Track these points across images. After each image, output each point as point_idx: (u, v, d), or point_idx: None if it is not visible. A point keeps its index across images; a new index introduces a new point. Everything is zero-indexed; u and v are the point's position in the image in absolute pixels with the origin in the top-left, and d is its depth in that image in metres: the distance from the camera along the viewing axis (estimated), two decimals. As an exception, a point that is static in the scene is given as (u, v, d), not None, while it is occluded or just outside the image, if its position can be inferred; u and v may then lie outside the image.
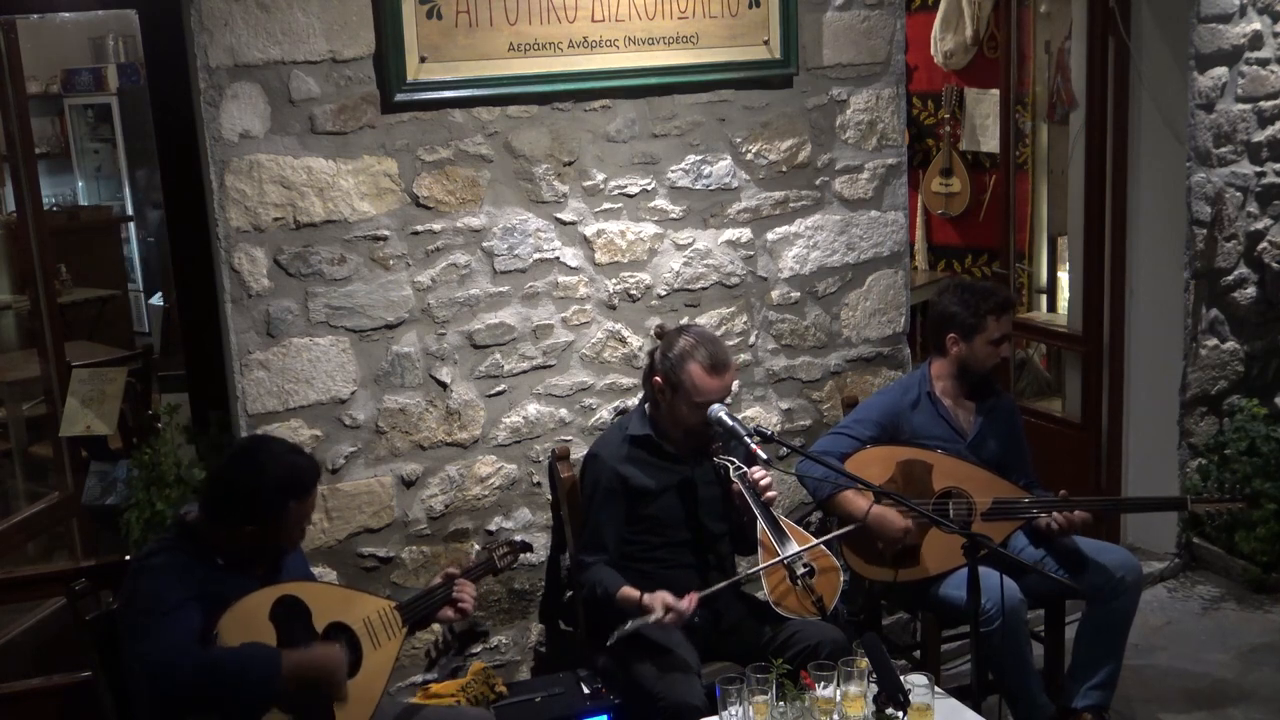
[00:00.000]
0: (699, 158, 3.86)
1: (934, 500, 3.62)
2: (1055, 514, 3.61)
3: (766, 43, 3.85)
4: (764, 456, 3.34)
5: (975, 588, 2.94)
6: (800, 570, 3.29)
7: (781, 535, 3.33)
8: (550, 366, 3.76)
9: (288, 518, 2.78)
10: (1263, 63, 4.83)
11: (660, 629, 3.24)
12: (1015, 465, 3.80)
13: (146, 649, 2.59)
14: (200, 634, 2.62)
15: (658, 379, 3.42)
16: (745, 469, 3.38)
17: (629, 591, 3.29)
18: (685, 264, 3.89)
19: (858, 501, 3.56)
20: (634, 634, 3.20)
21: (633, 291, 3.83)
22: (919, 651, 3.90)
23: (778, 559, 3.29)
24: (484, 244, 3.62)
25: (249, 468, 2.79)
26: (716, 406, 3.34)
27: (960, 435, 3.75)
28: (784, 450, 3.85)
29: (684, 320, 3.86)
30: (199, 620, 2.64)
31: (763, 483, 3.36)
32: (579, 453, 3.75)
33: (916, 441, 3.71)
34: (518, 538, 3.65)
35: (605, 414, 3.85)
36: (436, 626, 3.66)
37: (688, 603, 3.20)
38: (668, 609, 3.18)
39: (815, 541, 3.39)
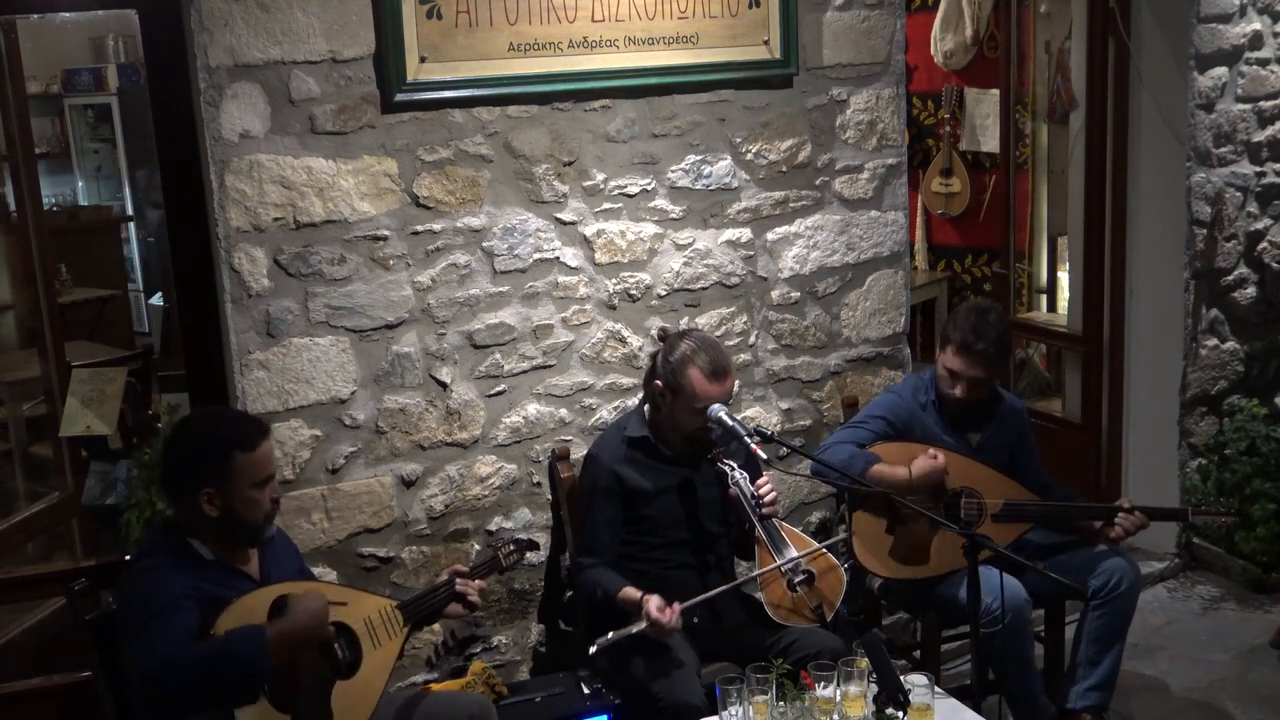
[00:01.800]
0: (699, 158, 3.86)
1: (945, 500, 3.62)
2: (1121, 523, 3.62)
3: (766, 43, 3.85)
4: (764, 457, 3.34)
5: (975, 588, 2.93)
6: (798, 578, 3.29)
7: (779, 543, 3.32)
8: (550, 366, 3.76)
9: (238, 474, 2.73)
10: (1263, 63, 4.83)
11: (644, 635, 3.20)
12: (1025, 467, 3.79)
13: (141, 652, 2.58)
14: (196, 634, 2.61)
15: (658, 383, 3.42)
16: (747, 476, 3.38)
17: (629, 592, 3.28)
18: (685, 264, 3.90)
19: (894, 472, 3.53)
20: (630, 637, 3.18)
21: (633, 291, 3.83)
22: (919, 651, 3.90)
23: (776, 564, 3.28)
24: (484, 244, 3.62)
25: (192, 429, 2.83)
26: (716, 406, 3.34)
27: (966, 442, 3.75)
28: (784, 450, 3.84)
29: (684, 320, 3.87)
30: (193, 620, 2.62)
31: (766, 498, 3.35)
32: (579, 453, 3.75)
33: (925, 443, 3.70)
34: (523, 536, 3.65)
35: (605, 414, 3.85)
36: (438, 628, 3.67)
37: (669, 616, 3.17)
38: (651, 621, 3.15)
39: (818, 545, 3.39)
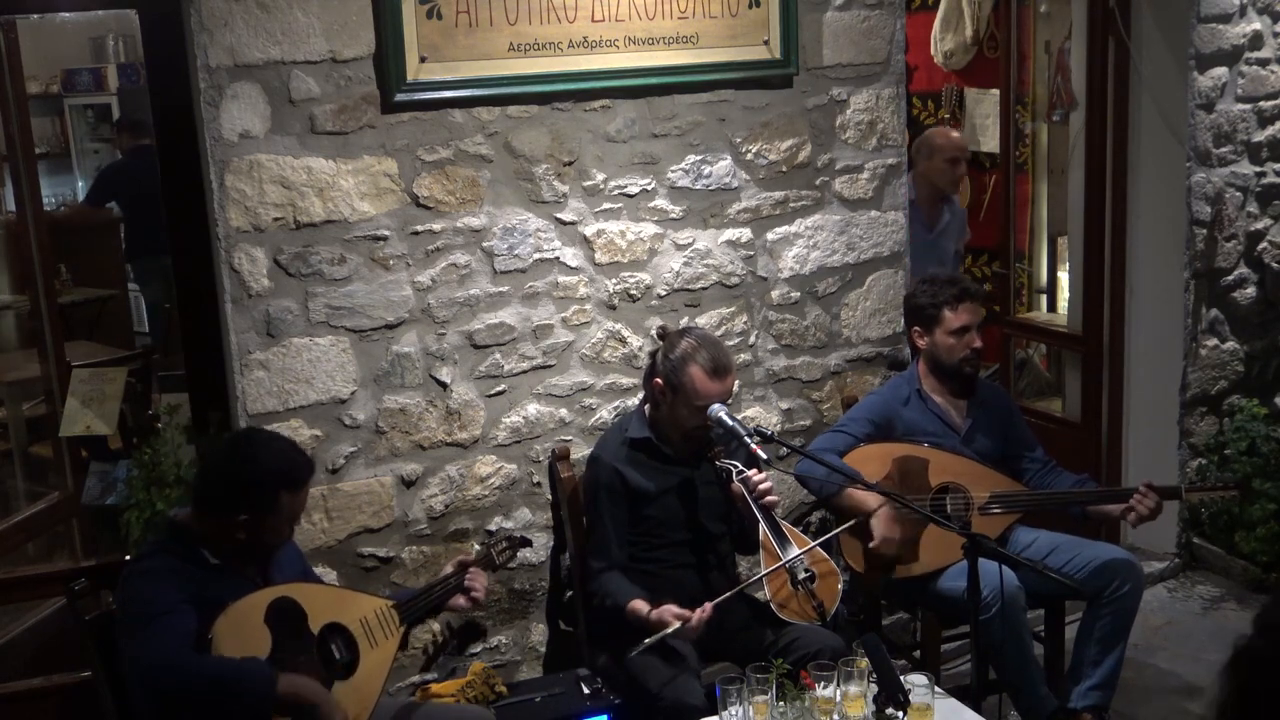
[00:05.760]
0: (699, 158, 3.86)
1: (931, 496, 3.62)
2: (1138, 506, 3.61)
3: (766, 43, 3.85)
4: (764, 456, 3.34)
5: (975, 588, 2.93)
6: (801, 575, 3.29)
7: (783, 539, 3.32)
8: (550, 366, 3.76)
9: (279, 510, 2.76)
10: (1263, 63, 4.83)
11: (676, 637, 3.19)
12: (1021, 452, 3.81)
13: (139, 653, 2.58)
14: (195, 637, 2.61)
15: (658, 381, 3.41)
16: (746, 473, 3.38)
17: (637, 605, 3.26)
18: (685, 264, 3.90)
19: (866, 498, 3.55)
20: (634, 633, 3.18)
21: (633, 291, 3.83)
22: (919, 651, 3.90)
23: (782, 563, 3.28)
24: (484, 244, 3.62)
25: (243, 457, 2.79)
26: (717, 406, 3.34)
27: (953, 430, 3.76)
28: (784, 450, 3.85)
29: (684, 320, 3.87)
30: (193, 623, 2.63)
31: (762, 488, 3.35)
32: (579, 453, 3.75)
33: (910, 438, 3.72)
34: (516, 533, 3.66)
35: (605, 414, 3.85)
36: (437, 626, 3.67)
37: (698, 616, 3.15)
38: (683, 620, 3.14)
39: (814, 543, 3.39)
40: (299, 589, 2.83)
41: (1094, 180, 4.91)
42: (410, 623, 3.05)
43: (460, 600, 3.11)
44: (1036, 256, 6.23)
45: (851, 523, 3.53)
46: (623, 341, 3.85)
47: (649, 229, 3.83)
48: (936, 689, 2.85)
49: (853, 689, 2.75)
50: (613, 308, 3.82)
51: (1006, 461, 3.79)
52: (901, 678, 2.74)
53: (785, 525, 3.39)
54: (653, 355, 3.50)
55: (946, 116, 6.65)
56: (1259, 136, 4.87)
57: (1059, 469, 3.85)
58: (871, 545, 3.57)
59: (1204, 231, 4.78)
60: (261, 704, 2.58)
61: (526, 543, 3.52)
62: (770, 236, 4.02)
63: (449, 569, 3.15)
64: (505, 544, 3.42)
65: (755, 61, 3.85)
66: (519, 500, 3.78)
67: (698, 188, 3.88)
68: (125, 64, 9.07)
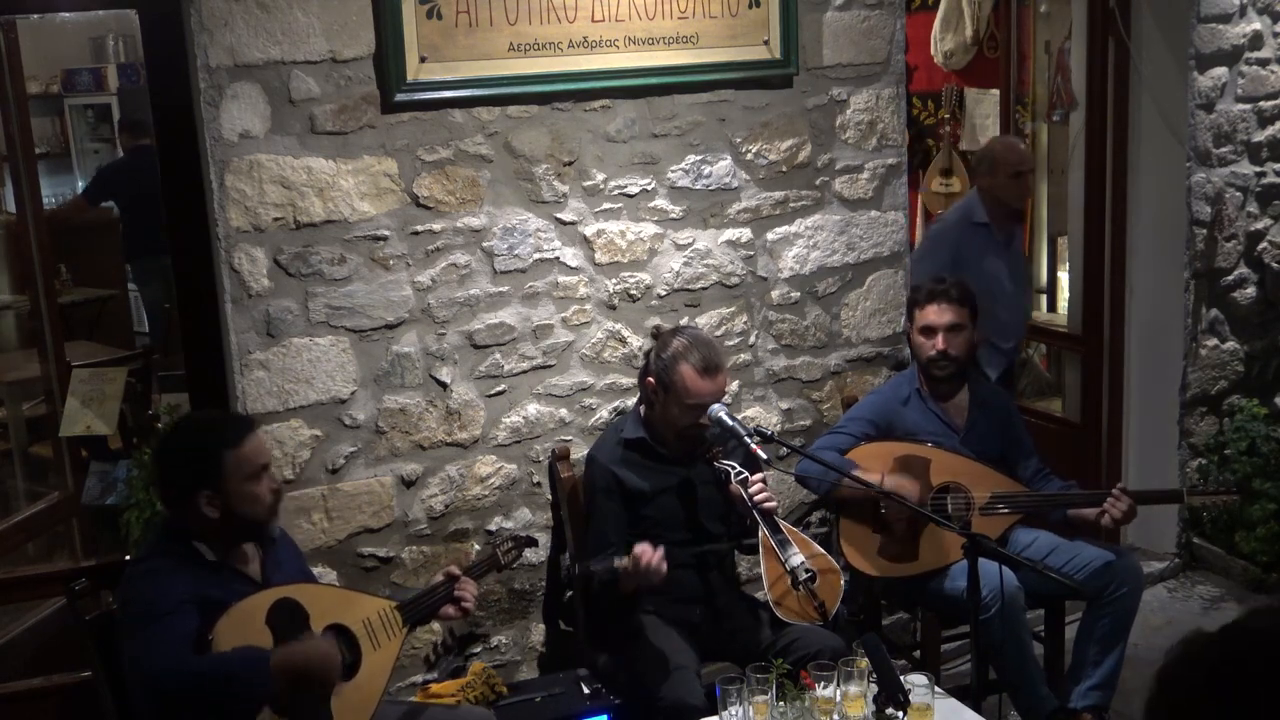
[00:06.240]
0: (699, 158, 3.86)
1: (932, 495, 3.62)
2: (1110, 510, 3.61)
3: (766, 43, 3.85)
4: (764, 457, 3.33)
5: (975, 589, 2.93)
6: (803, 576, 3.29)
7: (783, 541, 3.32)
8: (550, 366, 3.76)
9: (231, 472, 2.73)
10: (1263, 63, 4.83)
11: (656, 626, 3.19)
12: (1017, 456, 3.81)
13: (140, 654, 2.58)
14: (195, 638, 2.60)
15: (650, 380, 3.41)
16: (746, 474, 3.37)
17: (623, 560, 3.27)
18: (685, 264, 3.90)
19: (867, 478, 3.54)
20: (634, 633, 3.17)
21: (633, 291, 3.83)
22: (919, 651, 3.90)
23: (782, 561, 3.28)
24: (484, 244, 3.62)
25: (175, 439, 2.86)
26: (716, 406, 3.34)
27: (953, 430, 3.76)
28: (784, 450, 3.85)
29: (684, 320, 3.87)
30: (193, 624, 2.62)
31: (758, 496, 3.34)
32: (579, 453, 3.75)
33: (911, 437, 3.72)
34: (521, 533, 3.66)
35: (605, 414, 3.85)
36: (437, 627, 3.67)
37: (656, 558, 3.14)
38: (636, 557, 3.13)
39: (818, 549, 3.39)
40: (301, 590, 2.82)
41: (1094, 180, 4.91)
42: (412, 625, 3.04)
43: (450, 610, 3.11)
44: (1036, 256, 6.24)
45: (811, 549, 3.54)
46: (623, 341, 3.85)
47: (649, 229, 3.83)
48: (936, 689, 2.85)
49: (853, 689, 2.75)
50: (613, 308, 3.82)
51: (1005, 463, 3.79)
52: (901, 678, 2.74)
53: (785, 526, 3.39)
54: (646, 354, 3.50)
55: (946, 116, 6.66)
56: (1259, 136, 4.87)
57: (1050, 477, 3.85)
58: (884, 509, 3.56)
59: (1204, 231, 4.78)
60: (259, 683, 2.57)
61: (532, 542, 3.52)
62: (770, 236, 4.02)
63: (439, 577, 3.14)
64: (511, 544, 3.41)
65: (755, 61, 3.85)
66: (519, 500, 3.78)
67: (698, 188, 3.88)
68: (125, 64, 9.07)
